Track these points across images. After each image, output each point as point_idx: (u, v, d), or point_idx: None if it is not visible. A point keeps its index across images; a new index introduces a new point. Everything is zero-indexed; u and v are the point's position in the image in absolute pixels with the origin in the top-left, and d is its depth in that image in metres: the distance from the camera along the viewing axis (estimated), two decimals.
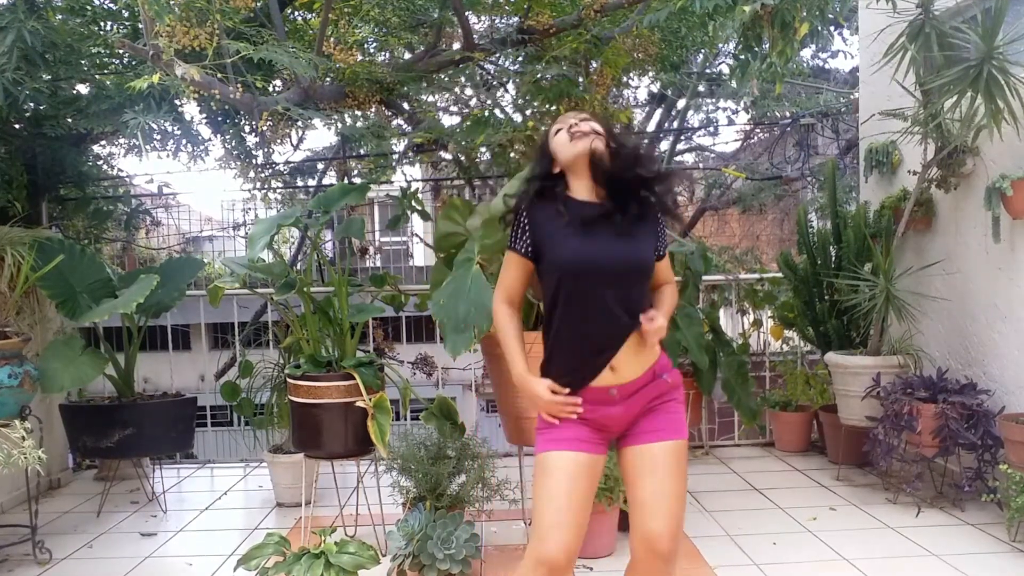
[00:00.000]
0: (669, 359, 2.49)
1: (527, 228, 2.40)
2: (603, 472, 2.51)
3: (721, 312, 6.08)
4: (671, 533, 2.28)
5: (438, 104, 7.33)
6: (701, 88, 9.21)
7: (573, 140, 2.37)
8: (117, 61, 4.90)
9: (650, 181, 2.41)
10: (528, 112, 4.71)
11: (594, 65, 4.81)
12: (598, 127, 2.40)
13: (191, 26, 3.49)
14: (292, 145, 6.20)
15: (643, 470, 2.34)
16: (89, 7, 4.57)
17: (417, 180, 9.32)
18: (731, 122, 10.14)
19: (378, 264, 10.67)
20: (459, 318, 3.45)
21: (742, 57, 3.74)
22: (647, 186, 2.41)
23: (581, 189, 2.41)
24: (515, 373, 2.42)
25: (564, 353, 2.40)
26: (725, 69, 8.48)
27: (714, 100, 9.82)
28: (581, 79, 4.54)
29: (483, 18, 5.51)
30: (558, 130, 2.43)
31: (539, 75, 4.41)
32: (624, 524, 3.90)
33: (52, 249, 4.39)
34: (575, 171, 2.40)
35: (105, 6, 4.77)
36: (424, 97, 6.68)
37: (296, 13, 5.50)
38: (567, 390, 2.36)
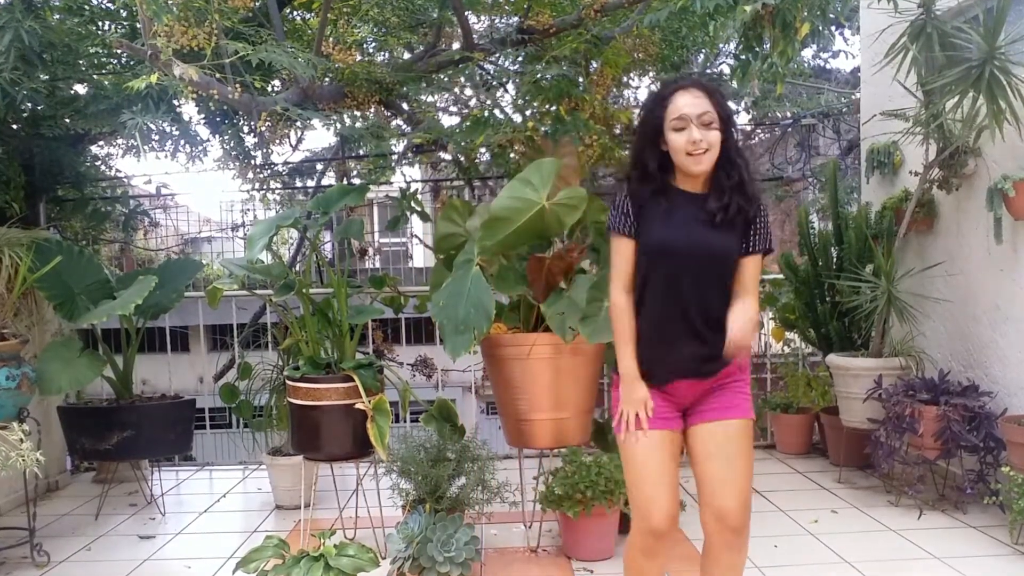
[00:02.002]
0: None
1: (630, 211, 2.45)
2: (678, 449, 2.56)
3: None
4: (740, 506, 2.44)
5: (438, 104, 7.32)
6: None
7: (692, 156, 2.35)
8: (115, 61, 4.88)
9: (748, 186, 2.42)
10: (528, 112, 4.69)
11: (594, 65, 4.80)
12: (713, 131, 2.35)
13: (189, 26, 3.48)
14: (291, 146, 6.19)
15: (711, 448, 2.46)
16: (87, 7, 4.55)
17: (416, 181, 9.30)
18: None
19: (377, 265, 10.64)
20: (459, 320, 3.43)
21: (743, 57, 3.72)
22: (745, 188, 2.42)
23: (687, 180, 2.44)
24: (623, 368, 2.47)
25: (646, 334, 2.48)
26: (726, 69, 8.46)
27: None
28: (581, 79, 4.52)
29: (483, 18, 5.49)
30: (676, 128, 2.35)
31: (539, 75, 4.39)
32: (624, 527, 3.89)
33: (50, 250, 4.37)
34: (685, 171, 2.42)
35: (103, 6, 4.76)
36: (423, 97, 6.67)
37: (295, 13, 5.48)
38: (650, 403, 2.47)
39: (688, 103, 2.34)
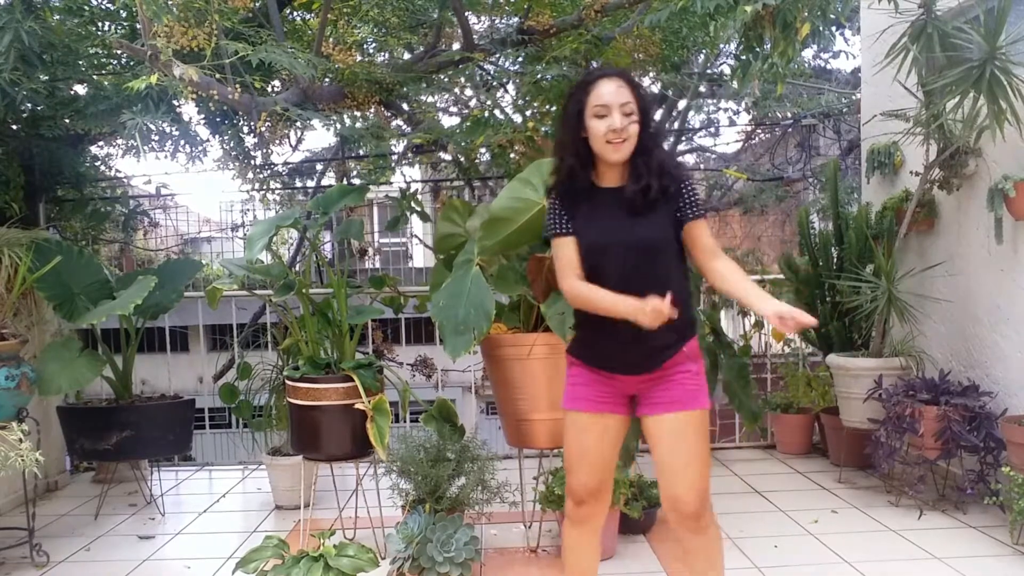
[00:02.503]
0: (692, 327, 2.57)
1: (561, 211, 2.54)
2: (614, 433, 2.63)
3: (722, 314, 6.06)
4: (693, 494, 2.48)
5: (438, 105, 7.32)
6: (702, 89, 9.20)
7: (611, 144, 2.40)
8: (115, 62, 4.88)
9: (669, 167, 2.49)
10: (528, 113, 4.69)
11: (595, 65, 4.79)
12: (632, 124, 2.40)
13: (189, 26, 3.47)
14: (291, 146, 6.17)
15: (663, 440, 2.51)
16: (87, 7, 4.54)
17: (416, 181, 9.30)
18: (732, 123, 10.12)
19: (377, 265, 10.64)
20: (459, 320, 3.43)
21: (743, 57, 3.71)
22: (666, 170, 2.47)
23: (607, 173, 2.50)
24: (624, 308, 2.36)
25: (589, 327, 2.55)
26: (726, 69, 8.47)
27: (715, 101, 9.80)
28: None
29: (483, 18, 5.49)
30: (599, 114, 2.40)
31: (539, 75, 4.39)
32: (624, 527, 3.89)
33: (49, 250, 4.36)
34: (603, 160, 2.47)
35: (103, 6, 4.75)
36: (424, 98, 6.66)
37: (295, 13, 5.48)
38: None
39: (611, 91, 2.40)
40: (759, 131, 10.39)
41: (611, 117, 2.38)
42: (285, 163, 7.82)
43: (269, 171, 7.26)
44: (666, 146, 10.49)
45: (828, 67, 9.86)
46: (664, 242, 2.47)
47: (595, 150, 2.45)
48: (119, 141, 5.66)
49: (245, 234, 9.09)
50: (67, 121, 4.73)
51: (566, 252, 2.54)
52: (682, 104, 9.73)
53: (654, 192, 2.43)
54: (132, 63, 4.52)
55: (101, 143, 5.76)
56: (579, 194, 2.52)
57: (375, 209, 11.95)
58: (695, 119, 10.28)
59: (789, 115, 9.06)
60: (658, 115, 10.61)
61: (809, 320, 2.32)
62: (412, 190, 4.94)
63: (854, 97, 8.15)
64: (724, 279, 2.48)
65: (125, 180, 7.24)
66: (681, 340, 2.51)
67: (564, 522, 2.72)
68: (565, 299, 2.59)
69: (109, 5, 4.78)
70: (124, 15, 4.64)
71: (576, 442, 2.60)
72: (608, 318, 2.42)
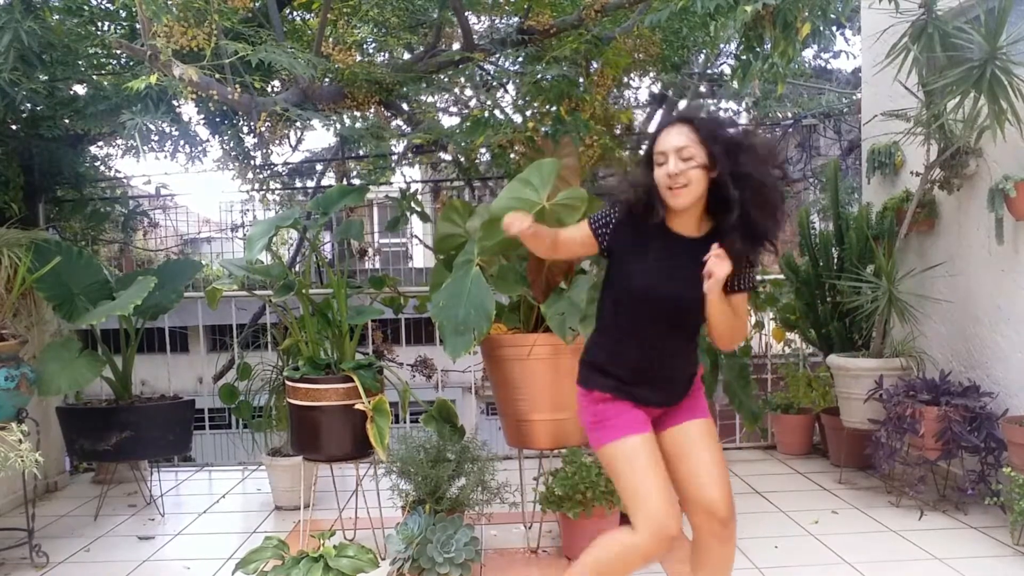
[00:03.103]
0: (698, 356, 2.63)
1: (611, 226, 2.47)
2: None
3: None
4: (726, 497, 2.45)
5: (438, 105, 7.31)
6: (702, 89, 9.19)
7: (671, 191, 2.34)
8: (114, 62, 4.87)
9: (762, 225, 2.35)
10: (528, 113, 4.68)
11: (595, 65, 4.78)
12: (693, 168, 2.30)
13: (189, 26, 3.47)
14: (290, 146, 6.16)
15: (687, 446, 2.49)
16: (86, 7, 4.54)
17: (416, 181, 9.29)
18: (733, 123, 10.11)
19: (377, 266, 10.64)
20: (459, 320, 3.42)
21: (744, 57, 3.71)
22: (754, 234, 2.37)
23: (676, 219, 2.42)
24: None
25: (618, 360, 2.51)
26: (726, 70, 8.46)
27: (715, 101, 9.79)
28: (582, 79, 4.51)
29: (483, 18, 5.48)
30: (659, 163, 2.35)
31: (539, 75, 4.38)
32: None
33: (49, 251, 4.36)
34: (665, 202, 2.40)
35: (102, 6, 4.74)
36: (423, 98, 6.65)
37: (295, 13, 5.47)
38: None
39: (670, 137, 2.33)
40: (759, 131, 10.37)
41: (667, 163, 2.32)
42: (285, 163, 7.81)
43: (269, 171, 7.25)
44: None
45: (828, 67, 9.85)
46: (701, 306, 2.38)
47: (662, 199, 2.38)
48: (119, 141, 5.65)
49: (245, 234, 9.09)
50: (67, 121, 4.72)
51: (572, 233, 2.55)
52: (682, 104, 9.71)
53: (736, 253, 2.33)
54: (132, 63, 4.52)
55: (101, 143, 5.76)
56: (643, 227, 2.43)
57: (375, 209, 11.94)
58: None
59: (789, 115, 9.05)
60: (658, 115, 10.61)
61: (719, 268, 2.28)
62: (412, 190, 4.93)
63: (855, 97, 8.15)
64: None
65: (125, 180, 7.23)
66: (695, 374, 2.61)
67: (634, 557, 2.39)
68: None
69: (109, 5, 4.77)
70: (124, 15, 4.64)
71: (648, 465, 2.39)
72: (641, 364, 2.46)
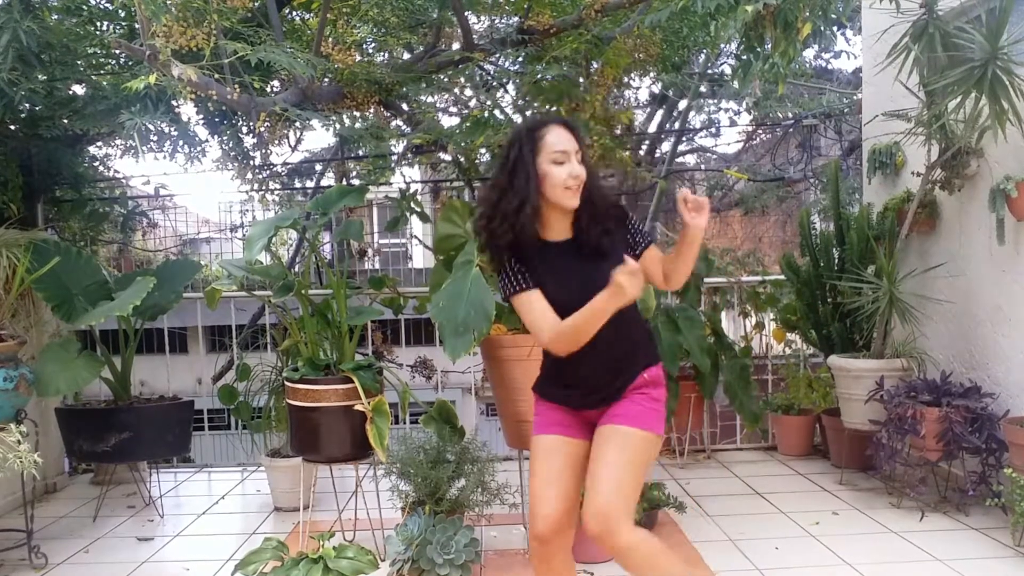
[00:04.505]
0: (654, 356, 2.57)
1: (519, 269, 2.46)
2: (577, 459, 2.56)
3: (723, 315, 6.05)
4: (595, 516, 2.30)
5: (437, 105, 7.30)
6: (703, 89, 9.19)
7: (570, 190, 2.40)
8: (113, 62, 4.86)
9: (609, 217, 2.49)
10: (528, 113, 4.68)
11: (595, 65, 4.78)
12: (581, 171, 2.42)
13: (188, 26, 3.45)
14: (290, 146, 6.16)
15: (595, 449, 2.45)
16: (85, 7, 4.53)
17: (416, 181, 9.30)
18: (733, 123, 10.12)
19: (377, 266, 10.63)
20: (459, 321, 3.41)
21: (744, 57, 3.70)
22: (609, 213, 2.49)
23: (554, 224, 2.48)
24: (606, 304, 2.25)
25: (551, 366, 2.59)
26: (727, 70, 8.46)
27: (716, 101, 9.80)
28: (582, 79, 4.51)
29: (483, 18, 5.47)
30: (558, 161, 2.38)
31: (539, 75, 4.38)
32: None
33: (48, 251, 4.35)
34: (555, 206, 2.44)
35: (101, 6, 4.73)
36: (423, 98, 6.64)
37: (294, 13, 5.46)
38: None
39: (565, 139, 2.40)
40: (760, 131, 10.39)
41: (570, 163, 2.38)
42: (284, 163, 7.82)
43: (268, 171, 7.26)
44: (666, 147, 10.52)
45: (829, 67, 9.86)
46: None
47: (550, 197, 2.40)
48: (118, 141, 5.64)
49: (244, 235, 9.09)
50: (65, 121, 4.71)
51: (538, 304, 2.44)
52: (683, 104, 9.72)
53: (602, 241, 2.44)
54: (131, 63, 4.50)
55: (100, 143, 5.75)
56: (529, 250, 2.45)
57: (375, 210, 11.95)
58: (696, 119, 10.28)
59: (790, 115, 9.06)
60: (658, 115, 10.62)
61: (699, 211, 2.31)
62: (412, 191, 4.92)
63: (855, 97, 8.15)
64: (669, 266, 2.48)
65: (124, 180, 7.24)
66: (639, 369, 2.50)
67: (532, 557, 2.55)
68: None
69: (107, 5, 4.76)
70: (123, 15, 4.63)
71: (544, 466, 2.48)
72: (576, 369, 2.47)
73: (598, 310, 2.26)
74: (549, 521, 2.42)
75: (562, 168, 2.38)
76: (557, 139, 2.40)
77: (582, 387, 2.51)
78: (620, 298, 2.21)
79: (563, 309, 2.40)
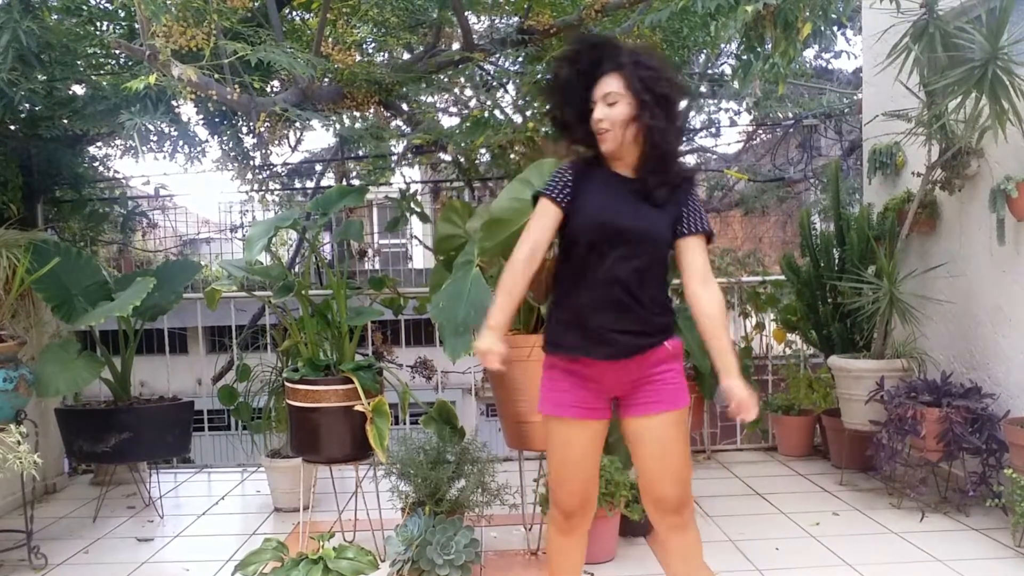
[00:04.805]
0: (673, 326, 2.58)
1: (570, 183, 2.51)
2: (601, 439, 2.61)
3: None
4: (676, 492, 2.49)
5: (437, 105, 7.30)
6: (703, 89, 9.17)
7: (599, 136, 2.44)
8: (113, 62, 4.86)
9: (675, 171, 2.49)
10: (528, 113, 4.67)
11: None
12: (617, 112, 2.40)
13: (188, 26, 3.45)
14: (290, 146, 6.16)
15: (645, 440, 2.51)
16: (85, 7, 4.52)
17: (416, 182, 9.29)
18: (733, 123, 10.10)
19: (377, 267, 10.62)
20: (459, 321, 3.41)
21: (744, 57, 3.70)
22: (672, 174, 2.48)
23: (625, 158, 2.49)
24: (493, 320, 2.48)
25: (566, 310, 2.54)
26: (727, 70, 8.45)
27: (716, 101, 9.78)
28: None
29: (483, 18, 5.47)
30: (595, 101, 2.43)
31: (539, 75, 4.38)
32: (625, 530, 3.87)
33: (48, 252, 4.35)
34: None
35: (101, 6, 4.73)
36: (423, 98, 6.64)
37: (294, 13, 5.46)
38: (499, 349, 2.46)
39: (601, 84, 2.43)
40: (760, 131, 10.38)
41: (598, 107, 2.43)
42: (284, 164, 7.81)
43: (268, 172, 7.25)
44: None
45: (829, 67, 9.84)
46: (658, 241, 2.47)
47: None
48: (117, 141, 5.64)
49: (244, 235, 9.09)
50: (65, 121, 4.71)
51: (541, 222, 2.51)
52: (683, 104, 9.69)
53: (663, 190, 2.45)
54: (131, 63, 4.50)
55: (99, 143, 5.74)
56: (593, 171, 2.52)
57: (375, 210, 11.94)
58: (696, 119, 10.25)
59: (790, 115, 9.05)
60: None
61: (750, 416, 2.41)
62: (412, 191, 4.93)
63: (855, 97, 8.14)
64: (702, 314, 2.46)
65: (124, 181, 7.23)
66: (661, 337, 2.51)
67: (550, 528, 2.67)
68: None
69: (107, 5, 4.76)
70: (123, 15, 4.62)
71: (562, 452, 2.55)
72: (586, 302, 2.46)
73: (492, 310, 2.50)
74: (576, 497, 2.54)
75: (595, 111, 2.43)
76: (597, 87, 2.44)
77: (602, 334, 2.46)
78: (477, 347, 2.47)
79: (586, 226, 2.46)
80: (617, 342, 2.46)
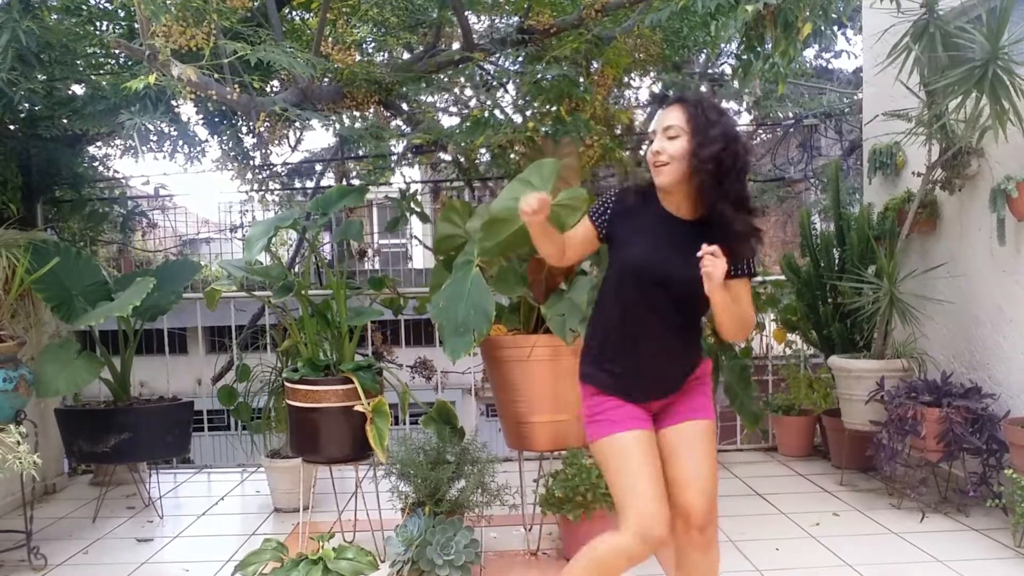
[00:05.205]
0: (701, 350, 2.60)
1: (608, 212, 2.50)
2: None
3: None
4: (705, 505, 2.42)
5: (437, 105, 7.29)
6: (703, 88, 9.17)
7: (655, 168, 2.39)
8: (113, 61, 4.86)
9: (739, 222, 2.36)
10: (528, 113, 4.67)
11: (595, 65, 4.77)
12: (676, 145, 2.34)
13: (187, 26, 3.45)
14: (290, 146, 6.15)
15: (678, 449, 2.46)
16: (85, 7, 4.52)
17: (416, 182, 9.28)
18: None
19: (377, 267, 10.62)
20: (458, 321, 3.41)
21: (744, 57, 3.70)
22: (733, 223, 2.36)
23: (675, 198, 2.43)
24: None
25: (611, 348, 2.50)
26: (727, 69, 8.45)
27: (716, 101, 9.77)
28: (582, 79, 4.50)
29: (483, 18, 5.47)
30: (651, 140, 2.42)
31: (539, 75, 4.37)
32: None
33: (47, 252, 4.34)
34: (676, 182, 2.41)
35: (101, 6, 4.73)
36: (423, 98, 6.64)
37: (294, 13, 5.46)
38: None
39: (663, 117, 2.40)
40: (760, 131, 10.36)
41: (657, 140, 2.37)
42: (284, 163, 7.79)
43: (268, 172, 7.24)
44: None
45: (830, 67, 9.83)
46: (701, 289, 2.32)
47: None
48: (117, 141, 5.64)
49: (244, 235, 9.08)
50: (65, 121, 4.71)
51: (577, 232, 2.57)
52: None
53: (720, 235, 2.33)
54: (130, 63, 4.50)
55: (99, 143, 5.74)
56: (639, 206, 2.47)
57: (375, 210, 11.94)
58: None
59: (791, 115, 9.04)
60: (658, 117, 10.58)
61: (712, 271, 2.25)
62: (412, 191, 4.92)
63: (856, 97, 8.13)
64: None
65: (123, 181, 7.23)
66: (695, 363, 2.55)
67: (618, 559, 2.38)
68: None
69: (107, 4, 4.76)
70: (122, 15, 4.63)
71: (639, 461, 2.39)
72: (633, 351, 2.43)
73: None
74: (666, 516, 2.36)
75: (652, 145, 2.40)
76: (659, 119, 2.43)
77: (645, 375, 2.46)
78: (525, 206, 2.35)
79: (630, 270, 2.43)
80: (651, 390, 2.50)
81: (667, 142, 2.34)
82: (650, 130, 2.43)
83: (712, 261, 2.23)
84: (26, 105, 4.46)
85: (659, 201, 2.45)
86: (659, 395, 2.51)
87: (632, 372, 2.46)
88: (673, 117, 2.35)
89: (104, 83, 4.60)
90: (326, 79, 4.63)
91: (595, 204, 2.55)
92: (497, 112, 4.75)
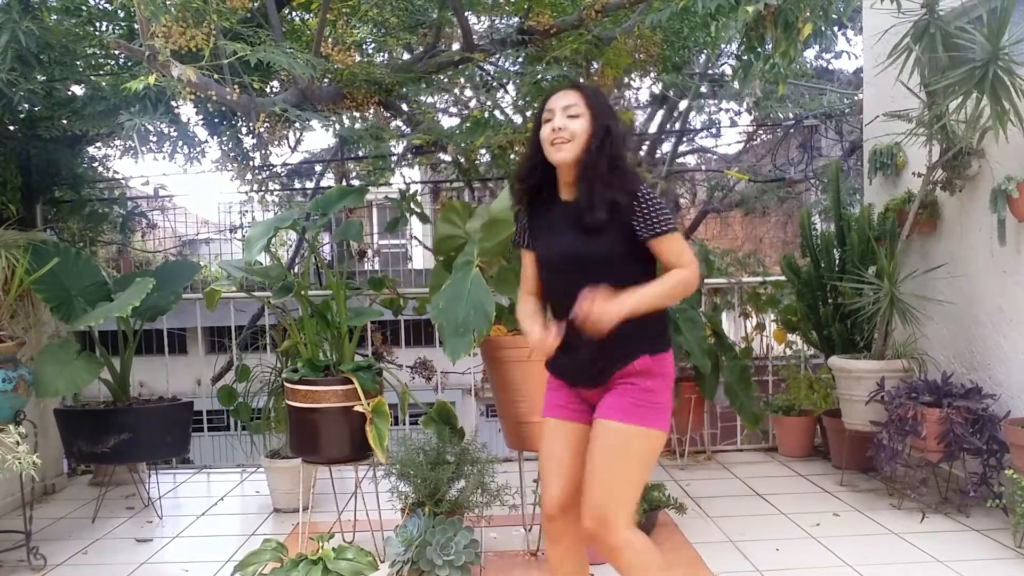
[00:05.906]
0: (651, 346, 2.46)
1: (527, 226, 2.63)
2: (580, 441, 2.56)
3: (724, 315, 6.04)
4: (590, 516, 2.37)
5: (437, 105, 7.30)
6: (703, 89, 9.18)
7: (554, 146, 2.44)
8: (113, 62, 4.86)
9: (614, 189, 2.40)
10: (528, 113, 4.67)
11: (595, 66, 4.77)
12: (578, 123, 2.41)
13: (187, 27, 3.45)
14: (289, 147, 6.16)
15: (589, 446, 2.46)
16: (84, 7, 4.53)
17: (416, 182, 9.29)
18: (734, 124, 10.11)
19: (377, 267, 10.63)
20: (458, 322, 3.41)
21: (745, 58, 3.70)
22: (612, 183, 2.41)
23: (565, 187, 2.53)
24: (527, 329, 2.55)
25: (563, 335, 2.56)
26: (728, 70, 8.45)
27: (716, 101, 9.78)
28: (582, 80, 4.50)
29: (483, 18, 5.47)
30: (545, 119, 2.47)
31: (539, 76, 4.37)
32: None
33: (47, 252, 4.34)
34: (564, 166, 2.48)
35: (100, 6, 4.73)
36: (423, 98, 6.65)
37: (294, 13, 5.46)
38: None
39: (559, 97, 2.46)
40: (761, 132, 10.38)
41: (554, 119, 2.42)
42: (284, 164, 7.81)
43: (268, 172, 7.25)
44: (666, 147, 10.52)
45: (830, 67, 9.84)
46: (606, 260, 2.39)
47: (547, 155, 2.46)
48: (117, 142, 5.65)
49: (243, 235, 9.08)
50: (64, 122, 4.71)
51: (525, 264, 2.66)
52: (683, 105, 9.71)
53: (600, 214, 2.36)
54: (130, 63, 4.50)
55: (99, 144, 5.75)
56: (541, 207, 2.58)
57: (374, 210, 11.95)
58: (696, 120, 10.26)
59: (791, 116, 9.05)
60: (659, 116, 10.61)
61: (593, 319, 2.25)
62: (412, 191, 4.91)
63: (856, 98, 8.14)
64: None
65: (123, 181, 7.24)
66: (630, 357, 2.42)
67: (544, 534, 2.65)
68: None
69: (107, 5, 4.76)
70: (122, 15, 4.63)
71: (546, 448, 2.59)
72: (567, 336, 2.42)
73: (524, 326, 2.57)
74: (554, 501, 2.50)
75: (547, 126, 2.44)
76: (552, 100, 2.47)
77: (571, 363, 2.52)
78: (531, 344, 2.45)
79: (547, 267, 2.57)
80: (584, 373, 2.51)
81: (568, 119, 2.41)
82: (546, 109, 2.47)
83: (593, 312, 2.23)
84: (26, 105, 4.46)
85: (558, 193, 2.54)
86: (587, 382, 2.51)
87: (563, 352, 2.47)
88: (571, 98, 2.43)
89: (104, 84, 4.60)
90: (326, 80, 4.63)
91: (516, 232, 2.68)
92: (497, 113, 4.76)
